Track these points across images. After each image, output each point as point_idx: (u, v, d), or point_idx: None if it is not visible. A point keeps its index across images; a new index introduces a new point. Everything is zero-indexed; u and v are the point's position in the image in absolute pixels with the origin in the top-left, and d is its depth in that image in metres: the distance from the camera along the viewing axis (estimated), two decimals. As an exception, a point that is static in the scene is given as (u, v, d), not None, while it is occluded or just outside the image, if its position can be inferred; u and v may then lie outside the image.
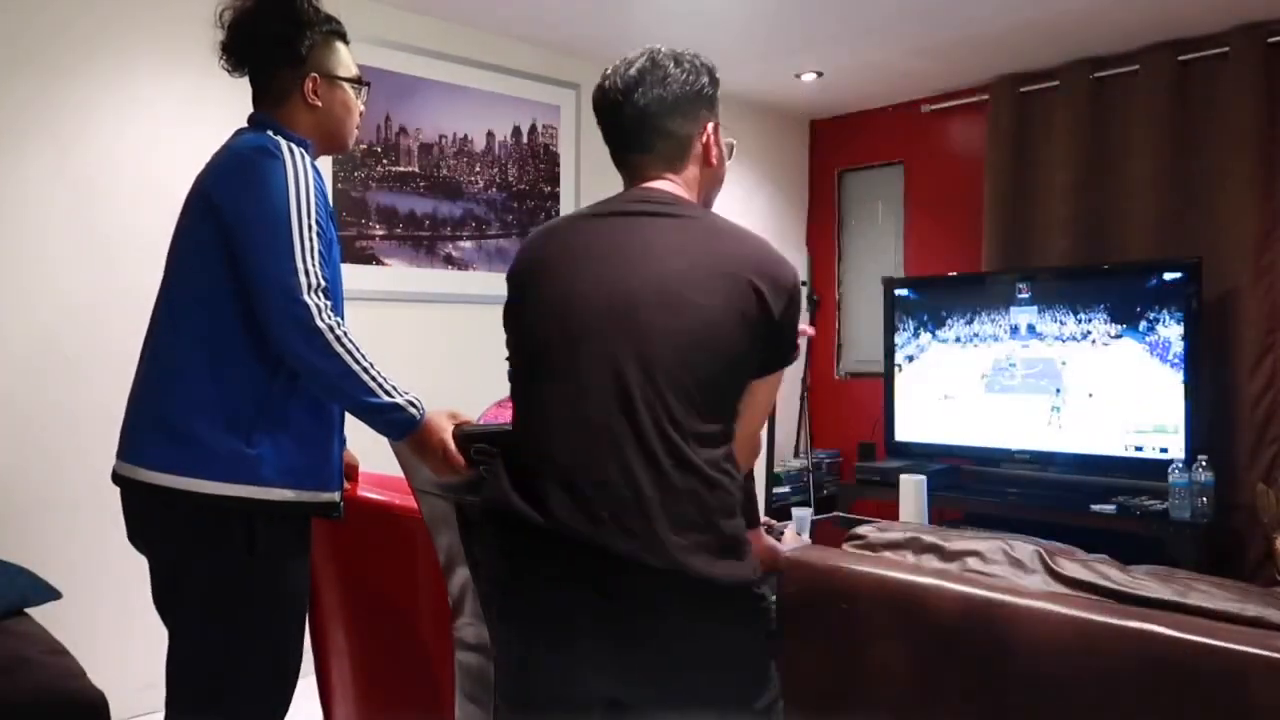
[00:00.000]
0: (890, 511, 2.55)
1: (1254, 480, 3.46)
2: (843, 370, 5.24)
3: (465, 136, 3.84)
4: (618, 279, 1.34)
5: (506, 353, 1.45)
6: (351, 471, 2.09)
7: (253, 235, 1.54)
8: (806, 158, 5.34)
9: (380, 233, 3.60)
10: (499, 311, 1.49)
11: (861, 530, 1.69)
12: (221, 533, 1.56)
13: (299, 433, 1.62)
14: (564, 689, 1.32)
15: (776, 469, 4.70)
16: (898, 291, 4.40)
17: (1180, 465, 3.44)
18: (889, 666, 1.49)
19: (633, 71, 1.45)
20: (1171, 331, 3.60)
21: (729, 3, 3.54)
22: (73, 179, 2.90)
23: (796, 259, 5.26)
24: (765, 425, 1.50)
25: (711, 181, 1.56)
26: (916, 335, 4.32)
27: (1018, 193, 4.36)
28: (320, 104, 1.73)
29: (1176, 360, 3.58)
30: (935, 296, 4.31)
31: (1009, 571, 1.48)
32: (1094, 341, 3.80)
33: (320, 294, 1.54)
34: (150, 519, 1.61)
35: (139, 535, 1.65)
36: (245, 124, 1.74)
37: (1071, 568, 1.43)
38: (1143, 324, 3.67)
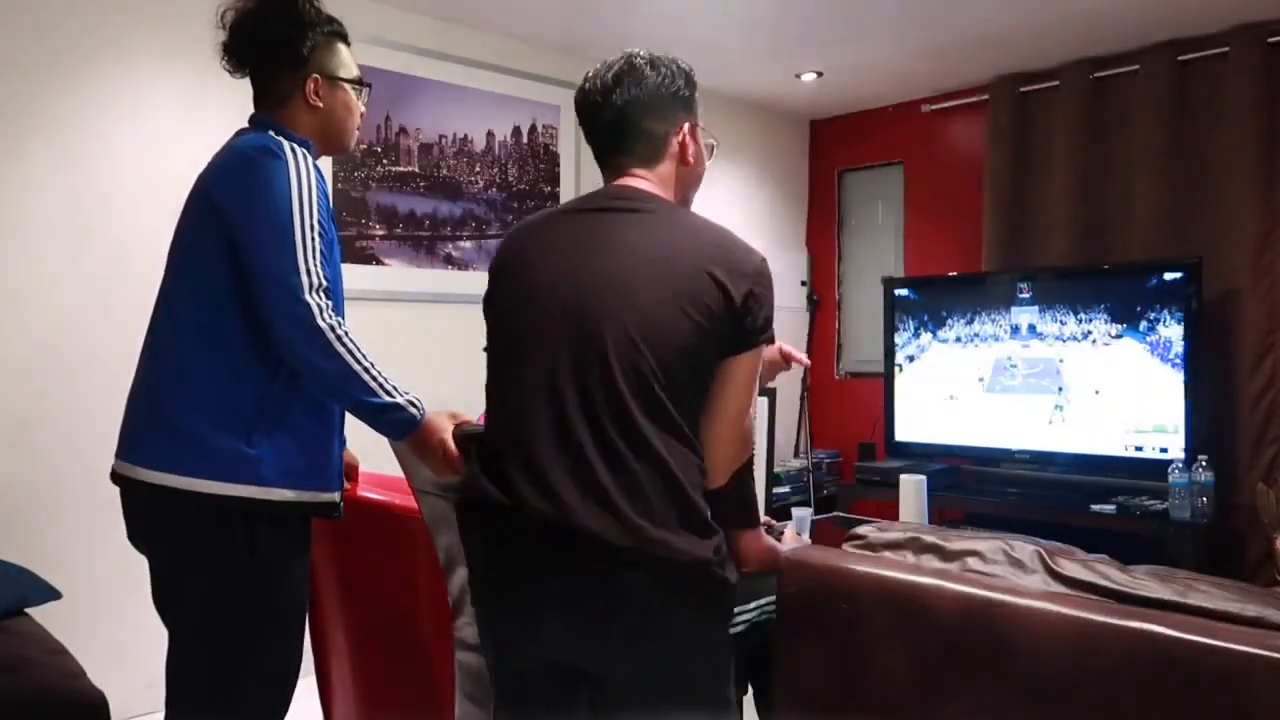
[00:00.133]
0: (890, 511, 2.55)
1: (1254, 480, 3.45)
2: (843, 370, 5.24)
3: (465, 136, 3.84)
4: (577, 272, 1.42)
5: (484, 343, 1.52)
6: (351, 471, 2.09)
7: (255, 234, 1.54)
8: (806, 158, 5.34)
9: (380, 233, 3.60)
10: (497, 311, 1.50)
11: (861, 530, 1.69)
12: (221, 533, 1.56)
13: (299, 433, 1.62)
14: (533, 666, 1.41)
15: (776, 469, 4.70)
16: (898, 291, 4.40)
17: (1180, 465, 3.44)
18: (889, 666, 1.49)
19: (611, 74, 1.52)
20: (1172, 331, 3.60)
21: (729, 3, 3.54)
22: (72, 179, 2.90)
23: (796, 259, 5.26)
24: (753, 420, 1.50)
25: (689, 180, 1.60)
26: (917, 335, 4.32)
27: (1018, 192, 4.36)
28: (321, 105, 1.73)
29: (1177, 360, 3.58)
30: (935, 296, 4.31)
31: (1009, 571, 1.48)
32: (1094, 341, 3.80)
33: (321, 293, 1.54)
34: (150, 519, 1.61)
35: (139, 535, 1.65)
36: (246, 124, 1.74)
37: (1071, 568, 1.43)
38: (1143, 324, 3.68)
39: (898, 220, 5.02)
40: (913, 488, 2.40)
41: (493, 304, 1.53)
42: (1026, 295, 4.00)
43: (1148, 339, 3.66)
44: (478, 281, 3.96)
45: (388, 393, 1.57)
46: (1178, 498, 3.39)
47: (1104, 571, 1.41)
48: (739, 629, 1.95)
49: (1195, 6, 3.58)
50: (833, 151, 5.27)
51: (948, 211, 4.76)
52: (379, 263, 3.60)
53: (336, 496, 1.69)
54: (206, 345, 1.58)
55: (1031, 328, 3.98)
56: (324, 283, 1.55)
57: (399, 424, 1.60)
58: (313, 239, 1.55)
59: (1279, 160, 3.69)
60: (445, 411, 1.65)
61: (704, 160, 1.63)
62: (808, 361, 1.87)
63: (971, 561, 1.51)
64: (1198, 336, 3.57)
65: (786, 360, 1.87)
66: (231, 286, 1.57)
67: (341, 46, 1.77)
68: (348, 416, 1.69)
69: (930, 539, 1.58)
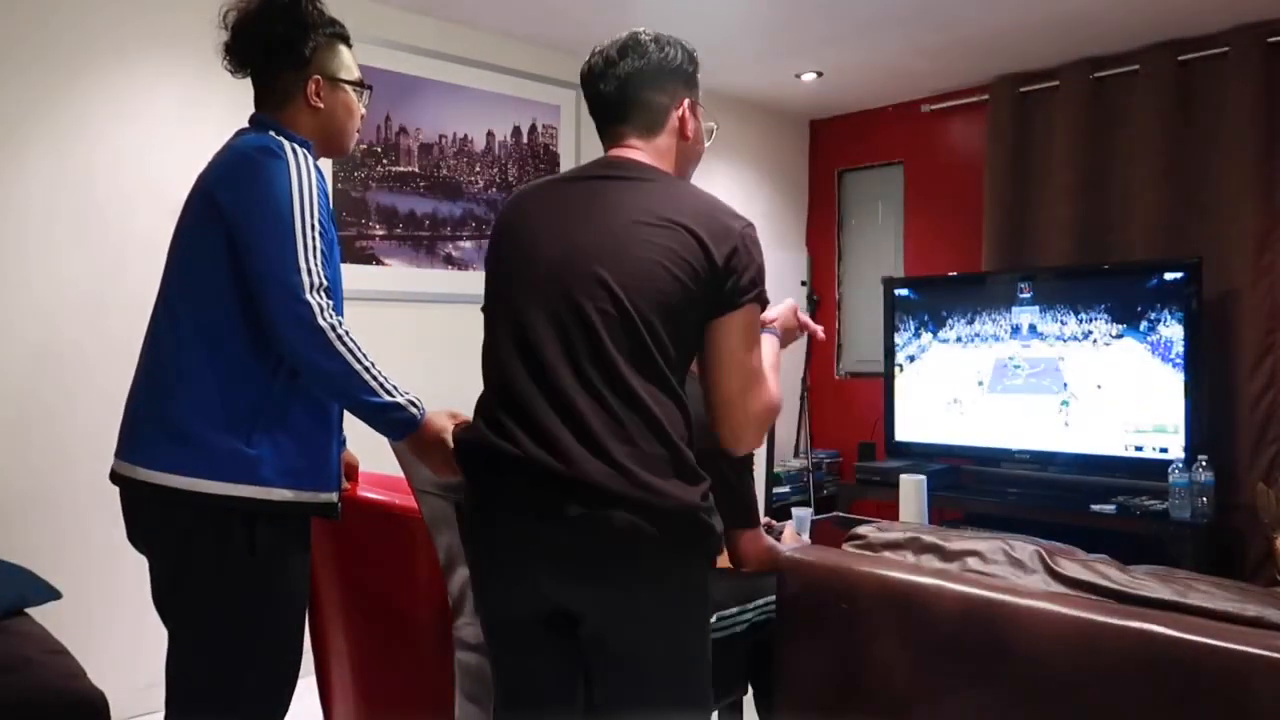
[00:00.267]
0: (890, 511, 2.55)
1: (1254, 480, 3.46)
2: (843, 370, 5.24)
3: (465, 136, 3.84)
4: (566, 233, 1.47)
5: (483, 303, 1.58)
6: (351, 471, 2.09)
7: (255, 233, 1.54)
8: (806, 158, 5.34)
9: (380, 233, 3.60)
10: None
11: (861, 530, 1.69)
12: (221, 533, 1.56)
13: (299, 433, 1.62)
14: (523, 611, 1.46)
15: (776, 469, 4.70)
16: (898, 291, 4.40)
17: (1180, 465, 3.44)
18: (889, 666, 1.50)
19: (615, 48, 1.60)
20: (1172, 331, 3.60)
21: (729, 3, 3.54)
22: (73, 179, 2.90)
23: (797, 259, 5.26)
24: (775, 382, 1.52)
25: (689, 155, 1.65)
26: (917, 335, 4.32)
27: (1017, 193, 4.36)
28: (322, 106, 1.73)
29: (1177, 360, 3.58)
30: (935, 296, 4.31)
31: (1009, 571, 1.48)
32: (1095, 341, 3.80)
33: (322, 293, 1.54)
34: (149, 518, 1.61)
35: (138, 535, 1.65)
36: (246, 124, 1.74)
37: (1071, 568, 1.43)
38: (1143, 324, 3.68)
39: (898, 220, 5.02)
40: (913, 488, 2.40)
41: (491, 267, 1.59)
42: (1027, 295, 4.00)
43: (1148, 339, 3.66)
44: (478, 281, 3.96)
45: (388, 392, 1.57)
46: (1178, 498, 3.39)
47: (1104, 571, 1.41)
48: (739, 629, 1.95)
49: (1195, 6, 3.58)
50: (833, 151, 5.27)
51: (948, 211, 4.76)
52: (379, 263, 3.60)
53: (335, 497, 1.69)
54: (206, 345, 1.58)
55: (1032, 328, 3.98)
56: (324, 282, 1.55)
57: (399, 423, 1.60)
58: (313, 238, 1.55)
59: (1279, 160, 3.69)
60: (445, 411, 1.65)
61: (703, 140, 1.67)
62: (820, 333, 1.87)
63: (971, 561, 1.52)
64: (1198, 336, 3.57)
65: (802, 329, 1.86)
66: (231, 286, 1.57)
67: (343, 48, 1.77)
68: (348, 416, 1.69)
69: (930, 539, 1.58)
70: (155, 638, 1.66)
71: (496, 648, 1.56)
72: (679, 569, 1.42)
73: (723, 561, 1.90)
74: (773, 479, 4.56)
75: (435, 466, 1.65)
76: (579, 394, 1.38)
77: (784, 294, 4.15)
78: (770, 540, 1.91)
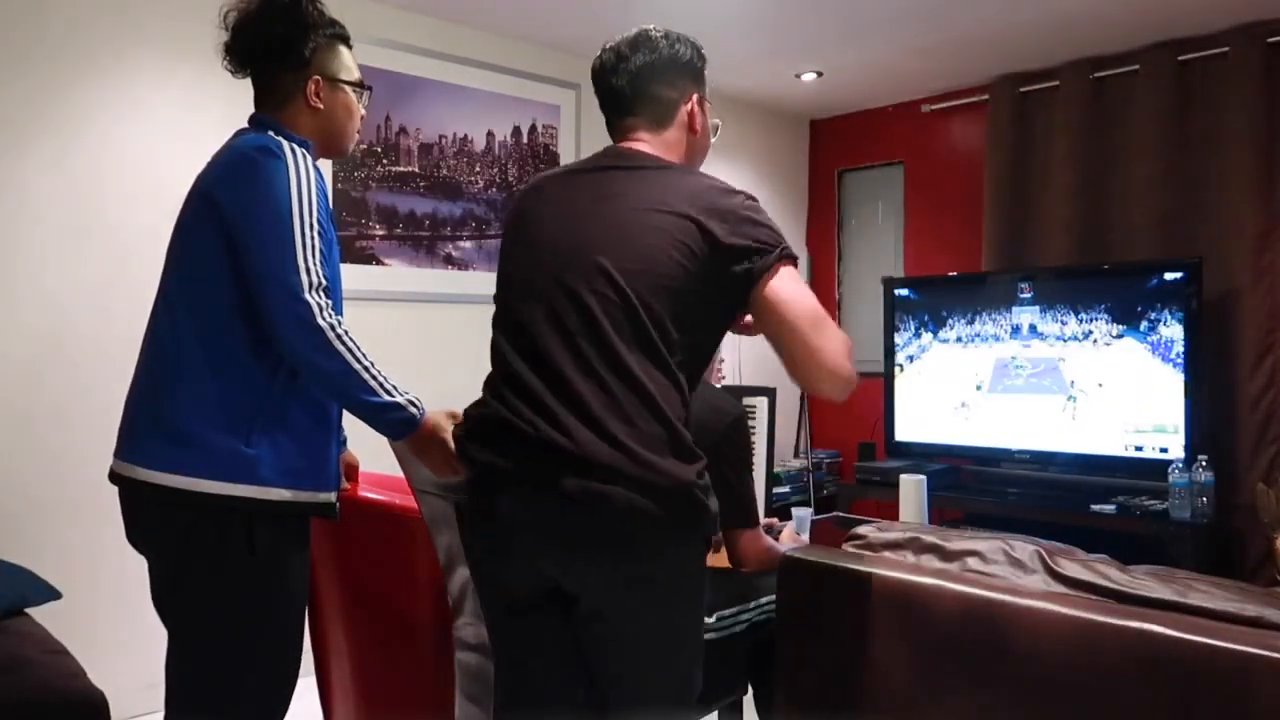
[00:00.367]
0: (890, 511, 2.55)
1: (1254, 480, 3.45)
2: (843, 370, 5.24)
3: (465, 136, 3.84)
4: (572, 222, 1.50)
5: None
6: (351, 471, 2.09)
7: (255, 233, 1.54)
8: (806, 158, 5.34)
9: (380, 233, 3.60)
10: (499, 311, 1.51)
11: (861, 530, 1.69)
12: (220, 533, 1.56)
13: (298, 433, 1.62)
14: (518, 584, 1.48)
15: (776, 469, 4.70)
16: (898, 291, 4.40)
17: (1180, 465, 3.44)
18: (889, 666, 1.50)
19: (625, 43, 1.62)
20: (1172, 331, 3.60)
21: (729, 3, 3.54)
22: (73, 178, 2.90)
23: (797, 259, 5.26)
24: (833, 326, 1.52)
25: (695, 149, 1.67)
26: (917, 335, 4.32)
27: (1018, 193, 4.36)
28: (322, 106, 1.73)
29: (1177, 360, 3.58)
30: (935, 296, 4.31)
31: (1009, 571, 1.48)
32: (1095, 341, 3.80)
33: (321, 293, 1.54)
34: (149, 518, 1.61)
35: (138, 535, 1.65)
36: (246, 124, 1.74)
37: (1071, 568, 1.43)
38: (1144, 324, 3.67)
39: (898, 220, 5.02)
40: (913, 488, 2.40)
41: (502, 252, 1.61)
42: (1027, 295, 4.00)
43: (1148, 339, 3.66)
44: (478, 281, 4.00)
45: (387, 392, 1.57)
46: (1178, 498, 3.39)
47: (1104, 571, 1.41)
48: (739, 629, 1.95)
49: (1195, 6, 3.58)
50: (833, 151, 5.27)
51: (948, 211, 4.76)
52: (379, 263, 3.60)
53: (334, 497, 1.69)
54: (206, 345, 1.58)
55: (1032, 328, 3.97)
56: (324, 282, 1.55)
57: (399, 423, 1.60)
58: (312, 238, 1.55)
59: (1279, 160, 3.69)
60: (445, 411, 1.65)
61: (710, 135, 1.68)
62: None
63: (971, 561, 1.52)
64: (1198, 336, 3.57)
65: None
66: (231, 286, 1.57)
67: (343, 49, 1.77)
68: (348, 416, 1.69)
69: (930, 539, 1.58)
70: (155, 638, 1.66)
71: (496, 635, 1.56)
72: (675, 547, 1.43)
73: (722, 561, 1.90)
74: (773, 479, 4.56)
75: (435, 466, 1.65)
76: (580, 378, 1.40)
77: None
78: (770, 540, 1.91)
